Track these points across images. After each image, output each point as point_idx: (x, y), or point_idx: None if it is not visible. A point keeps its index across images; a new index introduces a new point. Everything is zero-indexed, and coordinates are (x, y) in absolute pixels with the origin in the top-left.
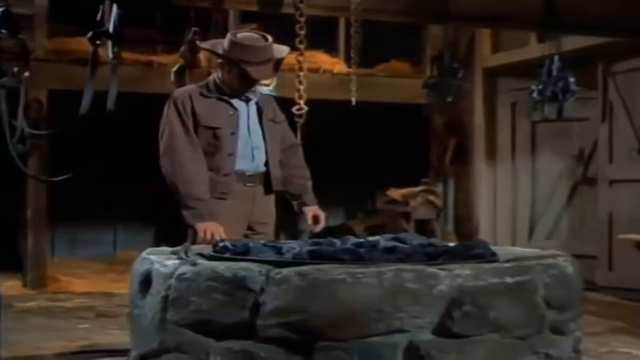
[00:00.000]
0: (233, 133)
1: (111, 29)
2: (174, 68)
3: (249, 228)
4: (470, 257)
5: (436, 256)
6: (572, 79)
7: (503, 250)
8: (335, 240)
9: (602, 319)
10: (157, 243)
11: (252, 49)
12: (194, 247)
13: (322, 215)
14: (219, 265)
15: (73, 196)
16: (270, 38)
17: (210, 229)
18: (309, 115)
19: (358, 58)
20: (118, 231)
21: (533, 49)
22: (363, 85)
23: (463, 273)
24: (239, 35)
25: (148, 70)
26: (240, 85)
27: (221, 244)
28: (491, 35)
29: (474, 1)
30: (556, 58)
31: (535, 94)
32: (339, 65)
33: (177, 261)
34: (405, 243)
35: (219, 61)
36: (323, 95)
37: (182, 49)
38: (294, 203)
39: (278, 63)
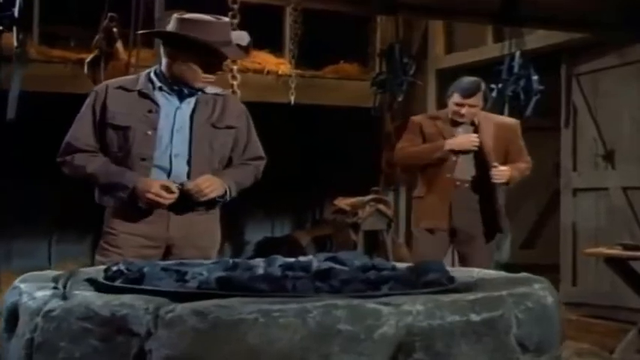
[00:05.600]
0: (147, 134)
1: (16, 14)
2: (88, 59)
3: (168, 252)
4: (422, 285)
5: (379, 283)
6: (535, 77)
7: (461, 272)
8: (258, 261)
9: (567, 340)
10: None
11: (214, 26)
12: (86, 270)
13: (207, 183)
14: (96, 300)
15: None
16: (225, 18)
17: (150, 192)
18: (254, 119)
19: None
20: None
21: (490, 49)
22: (310, 88)
23: (414, 309)
24: (190, 15)
25: (80, 69)
26: (195, 75)
27: (115, 268)
28: (444, 34)
29: None
30: (517, 54)
31: (494, 94)
32: (284, 66)
33: (48, 292)
34: (343, 264)
35: (166, 48)
36: (267, 98)
37: (97, 37)
38: None
39: (248, 49)
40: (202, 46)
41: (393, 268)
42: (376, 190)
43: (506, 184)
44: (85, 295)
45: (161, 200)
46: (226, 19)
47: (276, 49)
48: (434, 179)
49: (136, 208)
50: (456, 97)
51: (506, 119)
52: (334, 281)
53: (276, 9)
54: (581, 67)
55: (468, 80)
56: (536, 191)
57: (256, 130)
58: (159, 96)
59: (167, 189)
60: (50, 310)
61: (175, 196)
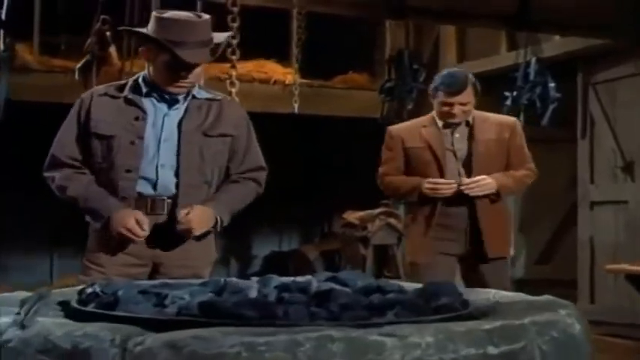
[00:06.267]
0: (133, 143)
1: (3, 16)
2: (79, 65)
3: (156, 270)
4: (433, 310)
5: (384, 308)
6: (552, 85)
7: (476, 294)
8: (251, 282)
9: None
10: None
11: (183, 25)
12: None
13: (197, 219)
14: (56, 330)
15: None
16: (206, 16)
17: (126, 227)
18: (258, 129)
19: (312, 69)
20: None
21: (503, 57)
22: (318, 98)
23: (422, 341)
24: (167, 13)
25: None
26: (170, 77)
27: (89, 290)
28: (456, 42)
29: None
30: (533, 60)
31: (508, 102)
32: (291, 76)
33: (9, 319)
34: (345, 285)
35: (143, 48)
36: (274, 108)
37: (88, 41)
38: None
39: (215, 49)
40: (165, 47)
41: (400, 290)
42: (386, 203)
43: (496, 195)
44: (45, 324)
45: (133, 237)
46: (207, 16)
47: (283, 59)
48: (419, 205)
49: None
50: (441, 96)
51: (503, 117)
52: (333, 306)
53: (284, 18)
54: (598, 76)
55: (452, 74)
56: (552, 204)
57: (262, 141)
58: (146, 102)
59: (141, 225)
60: (7, 341)
61: (146, 233)
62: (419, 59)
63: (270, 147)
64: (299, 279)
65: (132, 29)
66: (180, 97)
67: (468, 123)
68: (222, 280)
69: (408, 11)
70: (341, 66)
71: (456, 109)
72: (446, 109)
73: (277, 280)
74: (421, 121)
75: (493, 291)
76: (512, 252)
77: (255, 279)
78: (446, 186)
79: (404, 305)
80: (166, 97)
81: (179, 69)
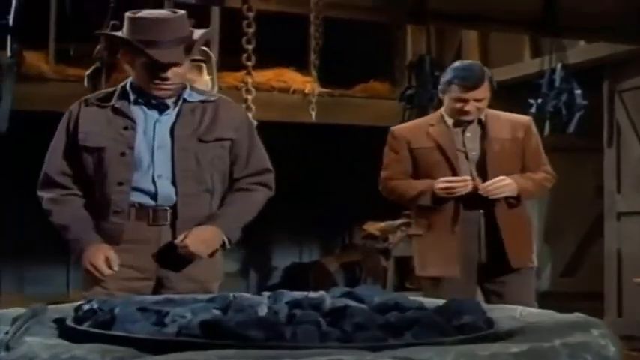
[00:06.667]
0: (123, 154)
1: (11, 22)
2: (88, 72)
3: (160, 284)
4: (454, 330)
5: (401, 328)
6: (578, 91)
7: (501, 311)
8: (262, 298)
9: None
10: None
11: (154, 23)
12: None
13: (196, 242)
14: (42, 352)
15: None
16: (181, 12)
17: (92, 264)
18: (278, 139)
19: (333, 78)
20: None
21: (527, 65)
22: (338, 107)
23: None
24: (141, 13)
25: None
26: (149, 79)
27: (86, 307)
28: (479, 49)
29: None
30: (558, 66)
31: (533, 110)
32: (310, 85)
33: None
34: (361, 301)
35: (121, 52)
36: (293, 117)
37: (98, 47)
38: None
39: (189, 47)
40: (137, 48)
41: (420, 307)
42: (407, 214)
43: (516, 200)
44: (32, 345)
45: (98, 275)
46: (182, 12)
47: (303, 67)
48: (433, 210)
49: (119, 237)
50: (455, 91)
51: (516, 116)
52: (347, 325)
53: (303, 26)
54: (625, 83)
55: (467, 66)
56: (578, 215)
57: (282, 151)
58: (135, 110)
59: (110, 263)
60: None
61: (111, 272)
62: (441, 65)
63: (291, 157)
64: (312, 294)
65: (106, 32)
66: (171, 102)
67: (480, 121)
68: (231, 295)
69: (429, 16)
70: (362, 74)
71: (471, 106)
72: (459, 105)
73: (289, 295)
74: (427, 120)
75: (519, 308)
76: (536, 262)
77: (266, 294)
78: (461, 183)
79: (423, 324)
80: (155, 102)
81: (155, 70)
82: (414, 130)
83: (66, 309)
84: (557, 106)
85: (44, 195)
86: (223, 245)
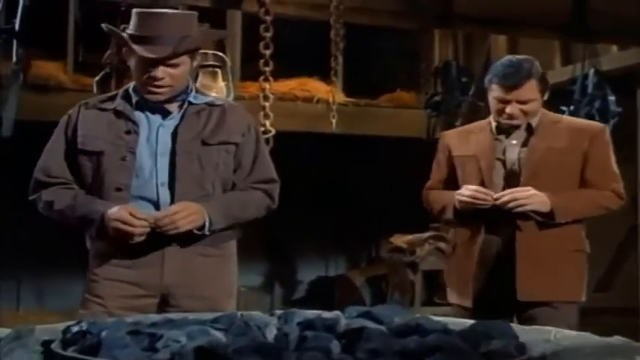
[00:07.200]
0: (124, 159)
1: (17, 27)
2: (97, 78)
3: (165, 302)
4: (482, 357)
5: (421, 355)
6: (612, 98)
7: (534, 334)
8: (270, 318)
9: None
10: None
11: (149, 18)
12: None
13: (182, 215)
14: None
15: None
16: (190, 12)
17: (121, 218)
18: (303, 149)
19: (359, 87)
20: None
21: (558, 72)
22: (364, 117)
23: None
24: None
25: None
26: (140, 78)
27: (75, 329)
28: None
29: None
30: (591, 72)
31: None
32: (335, 94)
33: None
34: (379, 322)
35: (124, 50)
36: (318, 128)
37: (108, 52)
38: None
39: (179, 45)
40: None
41: (444, 330)
42: (435, 227)
43: (548, 217)
44: None
45: (129, 229)
46: (192, 12)
47: (327, 77)
48: (459, 227)
49: (123, 249)
50: (496, 90)
51: (585, 121)
52: (360, 351)
53: (327, 35)
54: None
55: (512, 62)
56: (612, 227)
57: (306, 162)
58: (138, 114)
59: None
60: None
61: (145, 223)
62: (468, 71)
63: (316, 168)
64: (326, 314)
65: (110, 27)
66: (175, 106)
67: (529, 127)
68: (239, 314)
69: (456, 20)
70: (388, 83)
71: (514, 108)
72: (500, 106)
73: (301, 315)
74: (477, 125)
75: (554, 330)
76: (582, 296)
77: (278, 313)
78: (482, 195)
79: (446, 351)
80: (158, 106)
81: (145, 67)
82: (458, 136)
83: (57, 329)
84: (590, 114)
85: (41, 193)
86: (203, 227)
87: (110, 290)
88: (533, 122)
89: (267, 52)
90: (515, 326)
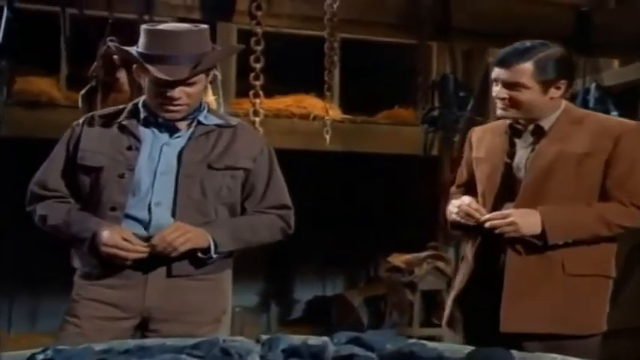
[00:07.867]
0: (122, 176)
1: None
2: (83, 92)
3: (145, 327)
4: None
5: None
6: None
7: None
8: (254, 344)
9: None
10: None
11: (165, 36)
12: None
13: (177, 235)
14: None
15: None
16: (203, 27)
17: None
18: (300, 168)
19: (356, 104)
20: None
21: None
22: (362, 134)
23: None
24: (159, 25)
25: None
26: (155, 97)
27: (41, 357)
28: None
29: (483, 13)
30: (593, 86)
31: None
32: (332, 111)
33: None
34: (370, 348)
35: (134, 67)
36: (314, 145)
37: (94, 65)
38: None
39: (197, 64)
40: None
41: (438, 358)
42: (434, 246)
43: (540, 238)
44: None
45: (123, 254)
46: (203, 27)
47: (323, 94)
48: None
49: (106, 270)
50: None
51: (615, 120)
52: None
53: (323, 52)
54: None
55: (519, 43)
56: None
57: (304, 181)
58: (144, 130)
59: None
60: None
61: (140, 249)
62: (466, 85)
63: (314, 187)
64: (313, 340)
65: (118, 46)
66: (184, 124)
67: (538, 128)
68: (221, 340)
69: (454, 33)
70: (386, 99)
71: (499, 92)
72: (494, 91)
73: (286, 341)
74: (501, 122)
75: (558, 357)
76: (603, 326)
77: (263, 338)
78: (472, 212)
79: None
80: (165, 123)
81: (162, 87)
82: (483, 133)
83: (23, 356)
84: None
85: (36, 205)
86: (208, 250)
87: (87, 311)
88: (545, 123)
89: (258, 66)
90: (517, 353)
